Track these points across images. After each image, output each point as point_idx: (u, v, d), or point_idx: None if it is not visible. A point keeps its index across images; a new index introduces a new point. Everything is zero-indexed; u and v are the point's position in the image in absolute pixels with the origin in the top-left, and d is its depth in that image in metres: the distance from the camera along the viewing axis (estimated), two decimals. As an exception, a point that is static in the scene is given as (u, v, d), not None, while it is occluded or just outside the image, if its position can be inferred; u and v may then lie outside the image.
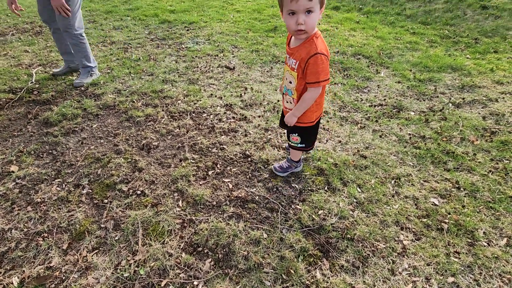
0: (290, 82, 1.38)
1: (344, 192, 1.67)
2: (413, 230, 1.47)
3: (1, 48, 3.52)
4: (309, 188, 1.69)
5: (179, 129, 2.18)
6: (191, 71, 3.00)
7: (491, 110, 2.32)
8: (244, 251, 1.36)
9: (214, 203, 1.61)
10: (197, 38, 3.81)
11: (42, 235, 1.46)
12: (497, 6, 3.94)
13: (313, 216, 1.53)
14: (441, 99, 2.50)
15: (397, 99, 2.52)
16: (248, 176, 1.78)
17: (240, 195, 1.64)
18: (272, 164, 1.83)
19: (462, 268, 1.30)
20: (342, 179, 1.74)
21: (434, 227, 1.48)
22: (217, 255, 1.36)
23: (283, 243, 1.40)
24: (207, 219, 1.52)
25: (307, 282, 1.25)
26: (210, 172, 1.80)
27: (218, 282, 1.25)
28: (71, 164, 1.87)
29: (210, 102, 2.48)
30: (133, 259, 1.34)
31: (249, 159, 1.90)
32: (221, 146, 2.00)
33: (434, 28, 3.86)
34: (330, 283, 1.25)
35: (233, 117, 2.29)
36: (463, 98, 2.48)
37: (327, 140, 2.06)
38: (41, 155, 1.95)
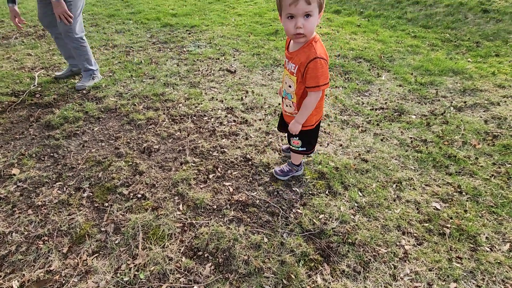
0: (290, 86, 1.39)
1: (345, 196, 1.66)
2: (415, 234, 1.45)
3: (4, 51, 3.55)
4: (310, 192, 1.69)
5: (180, 132, 2.18)
6: (193, 75, 3.01)
7: (493, 113, 2.31)
8: (244, 255, 1.36)
9: (215, 206, 1.61)
10: (199, 41, 3.83)
11: (43, 238, 1.46)
12: (498, 10, 3.95)
13: (314, 220, 1.52)
14: (443, 102, 2.50)
15: (398, 102, 2.52)
16: (248, 180, 1.77)
17: (240, 199, 1.64)
18: (273, 168, 1.83)
19: (465, 274, 1.29)
20: (343, 183, 1.74)
21: (436, 232, 1.46)
22: (217, 259, 1.35)
23: (283, 248, 1.40)
24: (208, 223, 1.52)
25: (307, 287, 1.24)
26: (210, 176, 1.80)
27: (218, 287, 1.24)
28: (72, 167, 1.87)
29: (211, 106, 2.48)
30: (133, 263, 1.34)
31: (250, 162, 1.90)
32: (222, 149, 2.00)
33: (435, 31, 3.87)
34: (331, 288, 1.24)
35: (234, 121, 2.29)
36: (465, 102, 2.47)
37: (328, 144, 2.06)
38: (43, 158, 1.95)
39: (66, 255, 1.39)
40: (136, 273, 1.30)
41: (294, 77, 1.32)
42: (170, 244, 1.42)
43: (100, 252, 1.40)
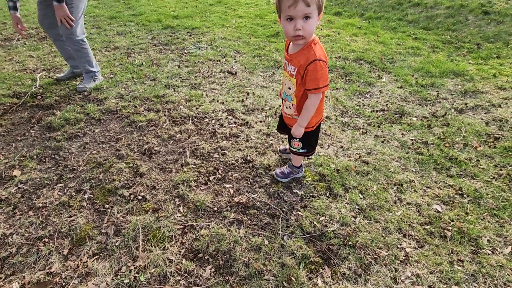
0: (289, 88, 1.39)
1: (346, 198, 1.66)
2: (416, 237, 1.45)
3: (7, 53, 3.57)
4: (311, 194, 1.68)
5: (181, 134, 2.18)
6: (193, 76, 3.01)
7: (494, 115, 2.31)
8: (245, 257, 1.35)
9: (215, 209, 1.60)
10: (200, 43, 3.84)
11: (43, 240, 1.46)
12: (499, 12, 3.95)
13: (315, 223, 1.52)
14: (444, 104, 2.49)
15: (399, 104, 2.52)
16: (249, 182, 1.77)
17: (241, 201, 1.64)
18: (274, 170, 1.82)
19: (466, 277, 1.28)
20: (344, 185, 1.73)
21: (437, 235, 1.46)
22: (217, 261, 1.35)
23: (284, 250, 1.39)
24: (208, 225, 1.51)
25: (308, 290, 1.24)
26: (211, 178, 1.80)
27: (218, 289, 1.24)
28: (73, 169, 1.88)
29: (212, 107, 2.48)
30: (134, 265, 1.34)
31: (251, 164, 1.90)
32: (223, 151, 2.00)
33: (436, 33, 3.87)
34: (332, 291, 1.24)
35: (235, 122, 2.30)
36: (466, 104, 2.47)
37: (328, 146, 2.06)
38: (44, 160, 1.96)
39: (67, 257, 1.39)
40: (136, 275, 1.30)
41: (294, 79, 1.32)
42: (170, 246, 1.42)
43: (101, 254, 1.40)
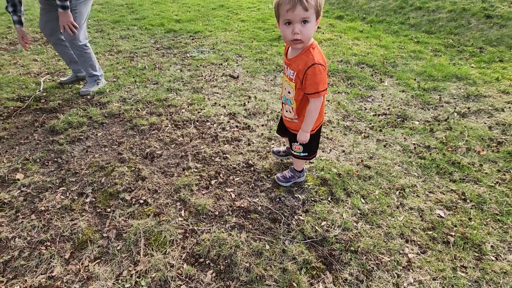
0: (289, 92, 1.40)
1: (347, 203, 1.65)
2: (419, 243, 1.44)
3: (11, 57, 3.61)
4: (312, 199, 1.68)
5: (183, 137, 2.19)
6: (196, 80, 3.03)
7: (497, 120, 2.29)
8: (246, 262, 1.35)
9: (217, 213, 1.60)
10: (202, 47, 3.86)
11: (45, 243, 1.46)
12: (502, 15, 3.94)
13: (316, 228, 1.51)
14: (446, 108, 2.48)
15: (401, 108, 2.51)
16: (251, 186, 1.77)
17: (242, 205, 1.63)
18: (275, 174, 1.82)
19: (470, 283, 1.27)
20: (346, 190, 1.73)
21: (440, 240, 1.45)
22: (219, 266, 1.34)
23: (285, 255, 1.39)
24: (209, 229, 1.51)
25: (309, 295, 1.23)
26: (213, 182, 1.80)
27: (219, 295, 1.24)
28: (76, 173, 1.89)
29: (213, 111, 2.49)
30: (135, 270, 1.34)
31: (252, 168, 1.90)
32: (224, 155, 2.00)
33: (438, 37, 3.86)
34: (333, 297, 1.23)
35: (237, 126, 2.30)
36: (469, 108, 2.46)
37: (330, 150, 2.05)
38: (46, 163, 1.97)
39: (68, 260, 1.39)
40: (137, 279, 1.30)
41: (293, 83, 1.33)
42: (171, 250, 1.42)
43: (102, 258, 1.40)
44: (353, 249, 1.40)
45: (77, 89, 2.84)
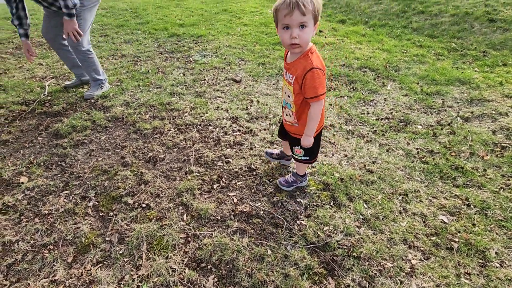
0: (288, 96, 1.41)
1: (350, 208, 1.64)
2: (422, 249, 1.43)
3: (17, 61, 3.66)
4: (315, 203, 1.67)
5: (185, 141, 2.20)
6: (198, 84, 3.04)
7: (501, 124, 2.28)
8: (248, 267, 1.35)
9: (219, 217, 1.60)
10: (205, 51, 3.89)
11: (48, 247, 1.47)
12: (505, 19, 3.93)
13: (318, 233, 1.50)
14: (449, 112, 2.47)
15: (404, 112, 2.50)
16: (253, 190, 1.77)
17: (244, 210, 1.63)
18: (277, 178, 1.82)
19: (474, 291, 1.25)
20: (348, 195, 1.72)
21: (444, 246, 1.43)
22: (220, 271, 1.34)
23: (287, 260, 1.38)
24: (211, 234, 1.51)
25: (312, 302, 1.22)
26: (215, 186, 1.80)
27: (221, 300, 1.23)
28: (79, 176, 1.90)
29: (216, 115, 2.50)
30: (137, 274, 1.34)
31: (254, 172, 1.90)
32: (227, 159, 2.01)
33: (441, 41, 3.86)
34: (336, 303, 1.22)
35: (239, 130, 2.31)
36: (472, 112, 2.44)
37: (333, 154, 2.05)
38: (50, 167, 1.99)
39: (71, 264, 1.39)
40: (139, 284, 1.30)
41: (292, 87, 1.35)
42: (173, 255, 1.42)
43: (104, 262, 1.40)
44: (355, 254, 1.40)
45: (81, 93, 2.87)
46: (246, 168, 1.93)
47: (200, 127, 2.37)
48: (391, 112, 2.51)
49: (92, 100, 2.75)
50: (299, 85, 1.30)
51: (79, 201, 1.73)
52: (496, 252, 1.40)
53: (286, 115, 1.51)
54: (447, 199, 1.69)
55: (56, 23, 2.49)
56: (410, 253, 1.41)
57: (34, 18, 5.33)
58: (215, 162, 1.99)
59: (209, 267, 1.36)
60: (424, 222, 1.56)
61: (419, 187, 1.78)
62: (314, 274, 1.32)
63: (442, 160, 1.97)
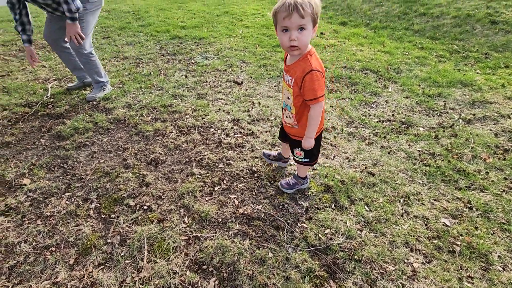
0: (288, 98, 1.42)
1: (351, 211, 1.64)
2: (424, 252, 1.42)
3: (20, 63, 3.68)
4: (316, 206, 1.67)
5: (187, 144, 2.20)
6: (200, 86, 3.05)
7: (503, 126, 2.27)
8: (249, 270, 1.34)
9: (220, 219, 1.60)
10: (207, 53, 3.90)
11: (50, 249, 1.48)
12: (507, 21, 3.92)
13: (320, 235, 1.50)
14: (451, 115, 2.47)
15: (405, 114, 2.50)
16: (254, 193, 1.77)
17: (246, 212, 1.63)
18: (279, 181, 1.82)
19: (476, 294, 1.25)
20: (350, 197, 1.72)
21: (446, 249, 1.43)
22: (221, 274, 1.34)
23: (288, 263, 1.38)
24: (213, 236, 1.51)
25: (313, 305, 1.22)
26: (216, 188, 1.80)
27: (222, 303, 1.23)
28: (81, 178, 1.91)
29: (217, 117, 2.51)
30: (138, 276, 1.34)
31: (256, 175, 1.90)
32: (228, 161, 2.01)
33: (443, 43, 3.86)
34: (337, 306, 1.21)
35: (240, 132, 2.31)
36: (474, 114, 2.44)
37: (334, 156, 2.05)
38: (53, 169, 1.99)
39: (73, 266, 1.40)
40: (140, 286, 1.30)
41: (291, 89, 1.36)
42: (175, 257, 1.42)
43: (106, 264, 1.40)
44: (357, 257, 1.39)
45: (84, 95, 2.88)
46: (247, 170, 1.93)
47: (201, 129, 2.37)
48: (393, 114, 2.51)
49: (94, 102, 2.76)
50: (298, 87, 1.31)
51: (81, 203, 1.73)
52: (498, 256, 1.39)
53: (286, 117, 1.51)
54: (449, 202, 1.68)
55: (58, 26, 2.51)
56: (412, 256, 1.40)
57: (37, 21, 5.37)
58: (216, 164, 1.99)
59: (210, 269, 1.36)
60: (426, 225, 1.56)
61: (421, 189, 1.77)
62: (316, 277, 1.32)
63: (444, 162, 1.96)
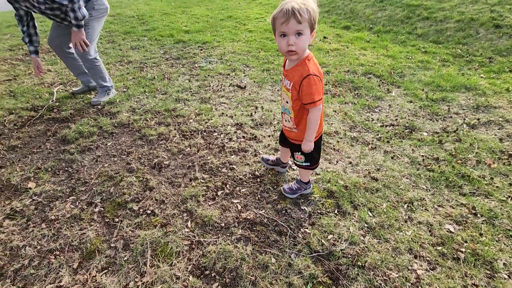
0: (287, 102, 1.44)
1: (354, 216, 1.63)
2: (428, 258, 1.41)
3: (26, 67, 3.74)
4: (319, 211, 1.67)
5: (190, 148, 2.21)
6: (203, 90, 3.07)
7: (508, 131, 2.25)
8: (251, 276, 1.34)
9: (223, 224, 1.61)
10: (210, 57, 3.93)
11: (54, 253, 1.49)
12: (511, 25, 3.90)
13: (323, 241, 1.50)
14: (455, 119, 2.45)
15: (409, 119, 2.49)
16: (257, 197, 1.77)
17: (248, 217, 1.64)
18: (281, 185, 1.82)
19: (481, 302, 1.23)
20: (353, 202, 1.71)
21: (450, 256, 1.42)
22: (224, 279, 1.34)
23: (291, 269, 1.38)
24: (215, 241, 1.51)
25: (316, 311, 1.21)
26: (219, 193, 1.81)
27: (224, 309, 1.23)
28: (85, 182, 1.92)
29: (221, 121, 2.52)
30: (141, 281, 1.35)
31: (258, 179, 1.90)
32: (231, 166, 2.02)
33: (446, 47, 3.85)
34: (340, 313, 1.21)
35: (243, 137, 2.32)
36: (478, 119, 2.42)
37: (337, 161, 2.05)
38: (57, 172, 2.01)
39: (76, 270, 1.41)
40: (143, 291, 1.30)
41: (290, 93, 1.39)
42: (177, 262, 1.42)
43: (109, 269, 1.41)
44: (360, 264, 1.38)
45: (89, 99, 2.91)
46: (250, 175, 1.94)
47: (204, 133, 2.38)
48: (396, 119, 2.50)
49: (99, 106, 2.79)
50: (296, 91, 1.34)
51: (85, 206, 1.75)
52: (504, 263, 1.37)
53: (285, 120, 1.53)
54: (453, 208, 1.67)
55: (63, 32, 2.54)
56: (416, 263, 1.39)
57: (44, 25, 5.45)
58: (219, 168, 2.00)
59: (213, 274, 1.36)
60: (430, 231, 1.55)
61: (425, 195, 1.76)
62: (318, 284, 1.31)
63: (448, 168, 1.95)
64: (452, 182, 1.84)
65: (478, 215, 1.62)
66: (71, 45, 2.41)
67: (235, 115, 2.61)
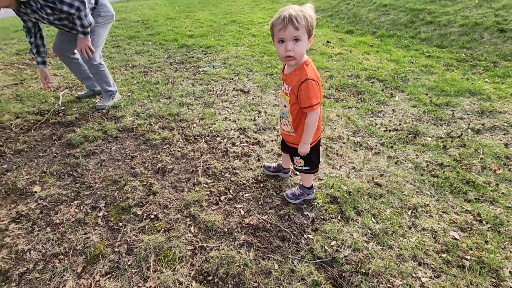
0: (285, 106, 1.46)
1: (358, 222, 1.63)
2: (432, 266, 1.40)
3: (33, 71, 3.79)
4: (322, 217, 1.66)
5: (194, 152, 2.22)
6: (207, 95, 3.09)
7: (513, 137, 2.24)
8: (254, 282, 1.34)
9: (226, 229, 1.61)
10: (214, 61, 3.95)
11: (59, 257, 1.50)
12: (516, 29, 3.88)
13: (326, 247, 1.49)
14: (460, 124, 2.44)
15: (413, 124, 2.48)
16: (260, 203, 1.77)
17: (251, 222, 1.64)
18: (285, 191, 1.82)
19: (487, 311, 1.22)
20: (356, 208, 1.71)
21: (455, 264, 1.40)
22: (227, 285, 1.34)
23: (294, 275, 1.37)
24: (218, 246, 1.52)
25: (319, 319, 1.21)
26: (222, 198, 1.81)
27: (227, 315, 1.23)
28: (90, 186, 1.94)
29: (224, 126, 2.53)
30: (144, 286, 1.35)
31: (261, 184, 1.91)
32: (234, 170, 2.02)
33: (450, 51, 3.84)
34: (343, 321, 1.20)
35: (247, 141, 2.33)
36: (483, 124, 2.41)
37: (340, 166, 2.04)
38: (63, 176, 2.04)
39: (80, 275, 1.42)
40: (146, 296, 1.31)
41: (288, 98, 1.41)
42: (180, 267, 1.42)
43: (113, 273, 1.42)
44: (363, 271, 1.38)
45: (94, 103, 2.95)
46: (253, 180, 1.94)
47: (208, 138, 2.40)
48: (400, 124, 2.49)
49: (104, 111, 2.82)
50: (295, 95, 1.37)
51: (90, 211, 1.76)
52: (510, 271, 1.36)
53: (284, 124, 1.55)
54: (458, 215, 1.66)
55: (69, 39, 2.58)
56: (420, 270, 1.38)
57: (50, 30, 5.54)
58: (222, 173, 2.01)
59: (215, 280, 1.36)
60: (434, 238, 1.53)
61: (429, 201, 1.75)
62: (322, 290, 1.31)
63: (452, 173, 1.94)
64: (457, 188, 1.82)
65: (484, 222, 1.61)
66: (75, 50, 2.44)
67: (239, 119, 2.62)
